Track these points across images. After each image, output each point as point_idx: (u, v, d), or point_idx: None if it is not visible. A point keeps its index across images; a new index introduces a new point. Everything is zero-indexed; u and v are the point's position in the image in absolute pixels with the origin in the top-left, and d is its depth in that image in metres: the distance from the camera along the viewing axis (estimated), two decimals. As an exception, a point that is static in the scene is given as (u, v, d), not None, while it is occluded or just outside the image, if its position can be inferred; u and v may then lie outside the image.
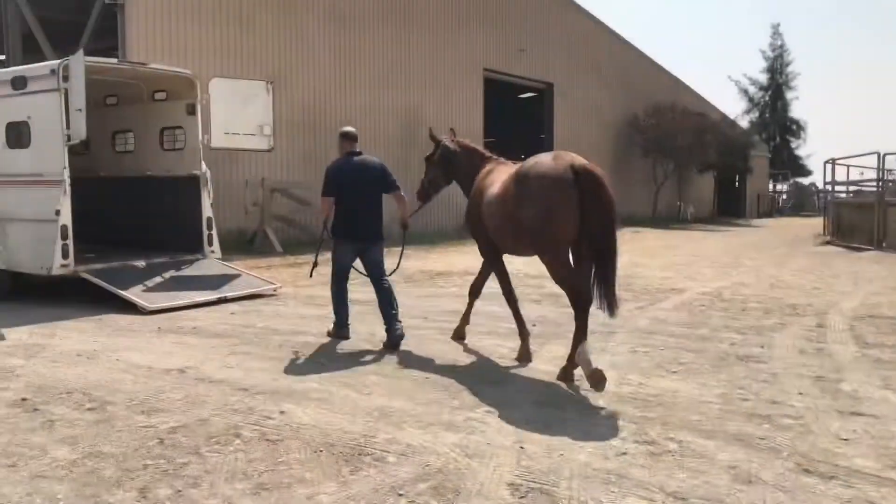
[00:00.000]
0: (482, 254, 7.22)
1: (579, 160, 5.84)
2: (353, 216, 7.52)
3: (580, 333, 5.88)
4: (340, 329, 7.86)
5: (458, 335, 7.65)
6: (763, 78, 66.64)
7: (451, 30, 23.94)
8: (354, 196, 7.49)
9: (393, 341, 7.36)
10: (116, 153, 13.27)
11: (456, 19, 24.13)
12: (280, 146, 18.51)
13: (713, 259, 17.69)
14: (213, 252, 11.89)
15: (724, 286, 12.15)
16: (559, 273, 6.00)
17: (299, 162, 19.13)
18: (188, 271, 11.16)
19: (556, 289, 6.48)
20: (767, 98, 66.03)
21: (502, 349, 7.28)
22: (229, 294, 10.54)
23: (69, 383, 6.17)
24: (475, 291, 7.49)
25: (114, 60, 11.08)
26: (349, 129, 7.91)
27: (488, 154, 7.45)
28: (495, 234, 6.65)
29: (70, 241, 10.17)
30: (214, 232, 11.94)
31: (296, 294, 11.06)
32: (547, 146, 29.41)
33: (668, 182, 35.24)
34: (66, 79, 9.95)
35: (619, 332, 8.10)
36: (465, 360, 6.95)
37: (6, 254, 10.65)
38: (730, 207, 46.17)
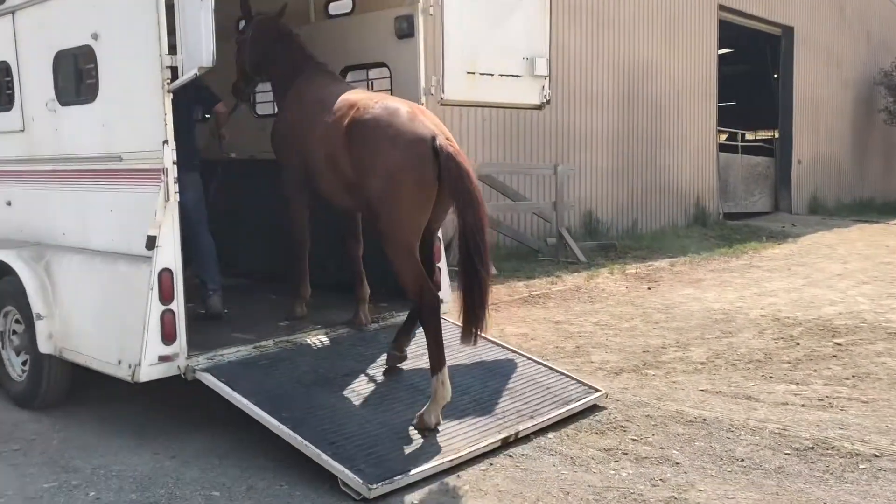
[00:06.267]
0: (288, 185, 5.59)
1: (442, 131, 4.61)
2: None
3: (435, 356, 4.52)
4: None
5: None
6: None
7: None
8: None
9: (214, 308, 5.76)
10: (259, 119, 7.56)
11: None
12: (475, 112, 12.69)
13: None
14: (441, 301, 6.09)
15: None
16: (406, 271, 4.64)
17: (499, 133, 13.19)
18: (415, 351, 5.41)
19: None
20: None
21: None
22: (521, 427, 4.68)
23: None
24: None
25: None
26: None
27: (308, 53, 5.88)
28: (315, 178, 5.32)
29: (179, 306, 4.59)
30: (444, 264, 6.14)
31: (637, 397, 5.09)
32: (784, 105, 22.39)
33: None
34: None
35: None
36: None
37: (56, 323, 5.17)
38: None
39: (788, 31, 21.99)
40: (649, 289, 9.89)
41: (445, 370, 4.56)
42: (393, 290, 5.79)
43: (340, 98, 5.13)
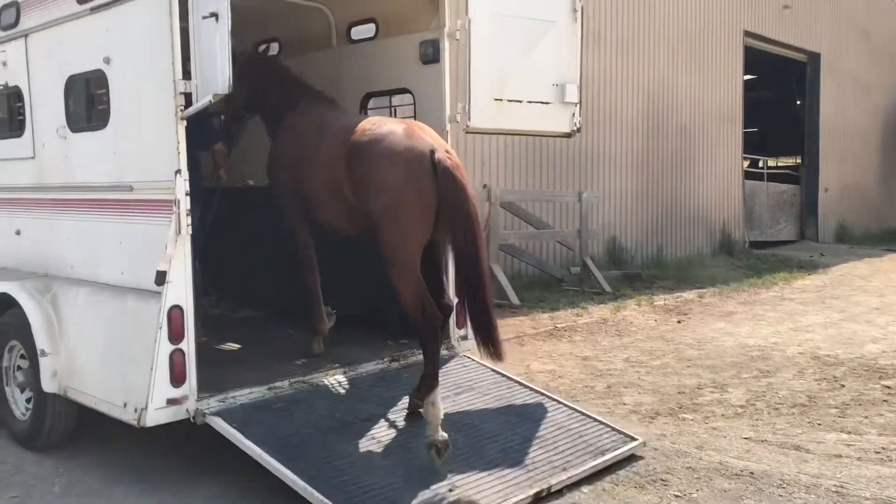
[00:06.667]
0: (289, 219, 5.45)
1: (439, 142, 4.60)
2: None
3: (431, 377, 4.38)
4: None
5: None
6: None
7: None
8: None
9: None
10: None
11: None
12: (497, 138, 12.43)
13: None
14: (464, 338, 5.79)
15: None
16: (407, 288, 4.45)
17: (522, 159, 12.93)
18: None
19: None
20: None
21: None
22: (554, 480, 4.34)
23: None
24: None
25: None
26: None
27: (305, 83, 5.64)
28: (314, 207, 5.22)
29: (189, 345, 4.32)
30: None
31: (686, 448, 4.74)
32: (810, 132, 22.00)
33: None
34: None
35: None
36: None
37: (62, 361, 4.91)
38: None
39: (815, 57, 21.65)
40: (679, 322, 9.52)
41: (436, 392, 4.37)
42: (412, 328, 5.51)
43: (338, 125, 5.06)
